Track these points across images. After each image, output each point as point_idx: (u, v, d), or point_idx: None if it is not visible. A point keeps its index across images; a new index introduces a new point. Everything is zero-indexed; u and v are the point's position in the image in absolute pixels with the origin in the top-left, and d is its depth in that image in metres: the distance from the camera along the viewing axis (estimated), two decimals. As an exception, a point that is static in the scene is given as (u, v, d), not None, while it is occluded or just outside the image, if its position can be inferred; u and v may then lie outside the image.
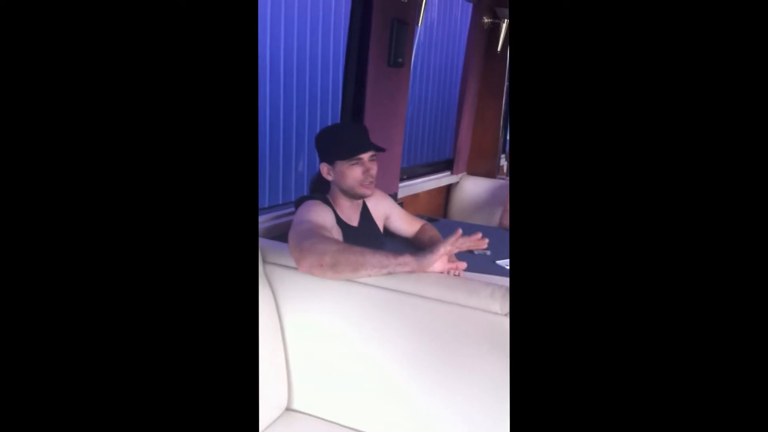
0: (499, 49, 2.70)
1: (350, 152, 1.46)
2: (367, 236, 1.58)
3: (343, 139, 1.50)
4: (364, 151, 1.46)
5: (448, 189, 2.96)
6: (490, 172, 3.00)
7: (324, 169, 1.51)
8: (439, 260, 1.14)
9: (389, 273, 1.13)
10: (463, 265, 1.18)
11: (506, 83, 2.85)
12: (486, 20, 2.68)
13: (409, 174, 2.65)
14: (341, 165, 1.47)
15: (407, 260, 1.11)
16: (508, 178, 2.95)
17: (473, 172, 3.02)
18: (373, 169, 1.49)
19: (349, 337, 1.19)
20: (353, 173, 1.47)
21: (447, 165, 2.95)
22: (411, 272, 1.13)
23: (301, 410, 1.27)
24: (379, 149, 1.49)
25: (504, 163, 2.97)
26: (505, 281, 1.60)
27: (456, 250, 1.15)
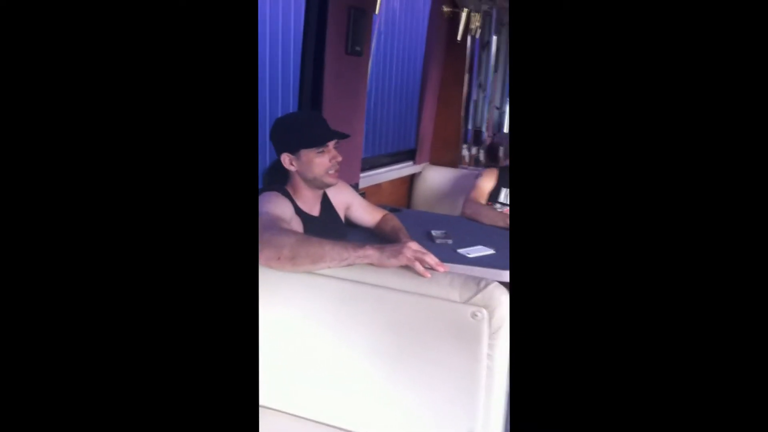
0: (459, 37, 2.71)
1: (317, 140, 1.44)
2: (328, 226, 1.56)
3: (307, 127, 1.47)
4: (332, 138, 1.45)
5: (411, 179, 2.96)
6: (453, 162, 3.02)
7: (286, 159, 1.48)
8: (401, 256, 1.10)
9: (349, 265, 1.11)
10: (432, 259, 1.10)
11: (466, 73, 2.86)
12: (446, 9, 2.68)
13: (372, 164, 2.63)
14: (307, 154, 1.45)
15: (368, 253, 1.10)
16: (470, 167, 2.97)
17: (436, 162, 3.02)
18: (339, 156, 1.48)
19: (312, 331, 1.18)
20: (321, 161, 1.45)
21: (410, 155, 2.94)
22: (372, 265, 1.11)
23: (271, 407, 1.26)
24: (344, 136, 1.48)
25: (466, 153, 2.99)
26: (467, 269, 1.61)
27: (419, 257, 1.09)
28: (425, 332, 1.09)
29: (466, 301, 1.04)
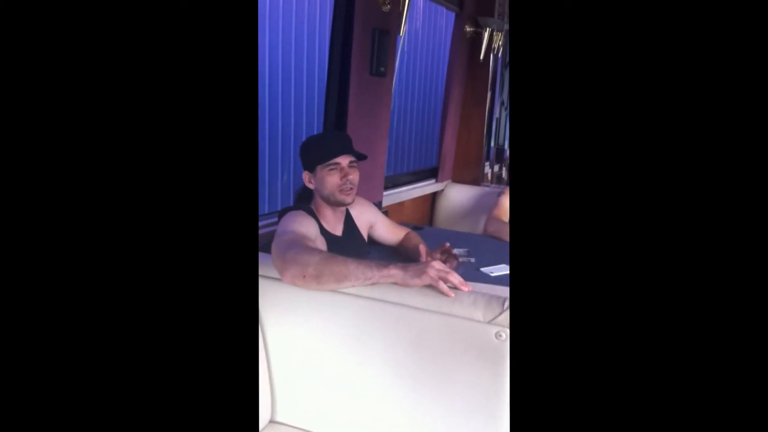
0: (481, 57, 2.73)
1: (327, 156, 1.47)
2: (351, 245, 1.58)
3: (323, 145, 1.51)
4: (340, 154, 1.47)
5: (434, 197, 2.97)
6: (475, 180, 3.01)
7: (306, 177, 1.51)
8: (425, 276, 1.10)
9: (373, 284, 1.12)
10: (456, 278, 1.10)
11: (488, 92, 2.87)
12: (468, 29, 2.70)
13: (394, 182, 2.65)
14: (320, 171, 1.48)
15: (392, 272, 1.10)
16: (492, 185, 2.97)
17: (458, 179, 3.03)
18: (352, 175, 1.50)
19: (332, 348, 1.18)
20: (332, 178, 1.47)
21: (432, 173, 2.96)
22: (395, 284, 1.12)
23: (285, 422, 1.26)
24: (358, 155, 1.50)
25: (488, 170, 2.99)
26: (489, 289, 1.61)
27: (442, 276, 1.09)
28: (448, 352, 1.09)
29: (490, 321, 1.04)
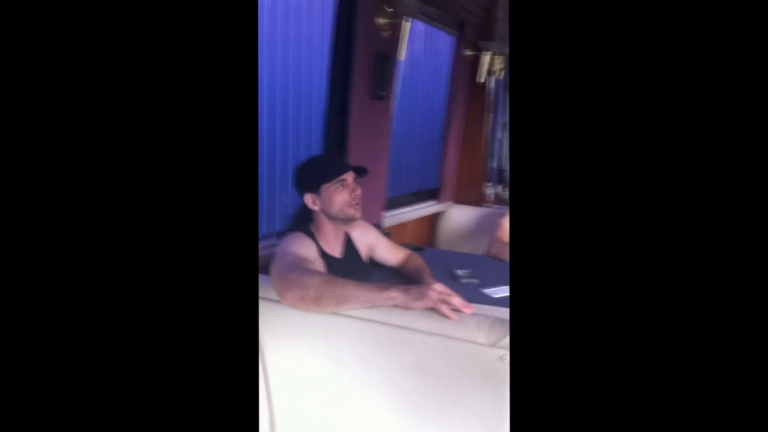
0: (481, 79, 2.75)
1: (334, 174, 1.48)
2: (351, 267, 1.57)
3: (325, 164, 1.53)
4: (345, 171, 1.49)
5: (436, 218, 2.97)
6: (477, 201, 3.01)
7: (309, 199, 1.51)
8: (426, 299, 1.08)
9: (374, 306, 1.11)
10: (458, 300, 1.08)
11: (489, 113, 2.89)
12: (469, 53, 2.73)
13: (396, 203, 2.65)
14: (327, 189, 1.49)
15: (393, 295, 1.09)
16: (495, 206, 2.97)
17: (460, 200, 3.03)
18: (358, 189, 1.52)
19: (333, 371, 1.17)
20: (340, 195, 1.49)
21: (434, 194, 2.96)
22: (397, 307, 1.11)
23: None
24: (361, 170, 1.53)
25: (490, 191, 2.99)
26: (493, 310, 1.59)
27: (444, 298, 1.08)
28: (451, 376, 1.07)
29: (494, 344, 1.02)
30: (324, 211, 1.51)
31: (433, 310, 1.08)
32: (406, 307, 1.09)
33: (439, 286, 1.09)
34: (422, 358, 1.09)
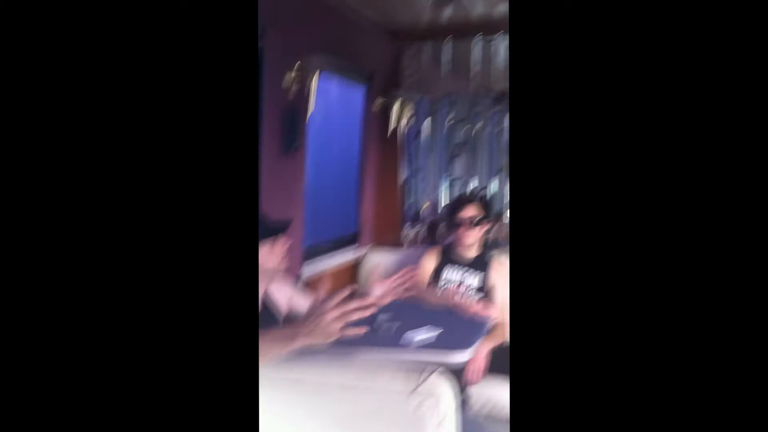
0: (393, 125, 2.85)
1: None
2: (264, 320, 1.55)
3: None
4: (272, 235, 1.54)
5: (356, 263, 2.99)
6: (396, 243, 3.07)
7: None
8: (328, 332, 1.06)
9: (292, 352, 1.09)
10: (357, 306, 1.07)
11: (402, 157, 2.99)
12: (379, 100, 2.84)
13: (315, 252, 2.65)
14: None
15: (298, 340, 1.07)
16: (413, 247, 3.03)
17: (379, 243, 3.07)
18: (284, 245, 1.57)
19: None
20: (273, 257, 1.53)
21: (353, 239, 2.99)
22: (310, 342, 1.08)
23: None
24: (277, 230, 1.55)
25: (408, 232, 3.07)
26: (413, 355, 1.61)
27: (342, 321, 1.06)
28: (371, 427, 1.07)
29: (411, 392, 1.04)
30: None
31: (350, 362, 1.09)
32: (314, 345, 1.07)
33: (331, 314, 1.06)
34: (342, 411, 1.09)
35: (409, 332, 1.72)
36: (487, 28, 2.72)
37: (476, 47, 2.80)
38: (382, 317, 1.85)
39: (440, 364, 1.28)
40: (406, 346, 1.63)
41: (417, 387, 1.04)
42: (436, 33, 2.82)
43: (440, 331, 1.73)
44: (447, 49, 2.86)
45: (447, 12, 2.50)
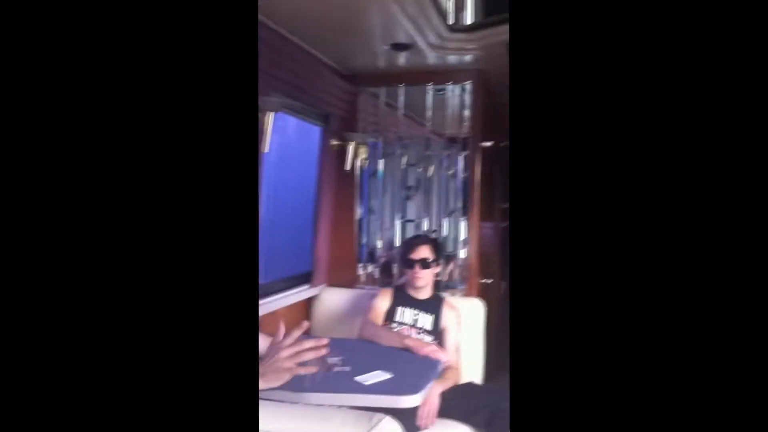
0: (347, 167, 2.89)
1: None
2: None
3: None
4: None
5: (309, 302, 2.96)
6: (350, 282, 3.07)
7: None
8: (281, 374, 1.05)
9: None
10: (310, 346, 1.07)
11: (356, 198, 3.03)
12: (335, 143, 2.88)
13: (268, 290, 2.61)
14: None
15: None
16: (367, 287, 3.04)
17: (333, 283, 3.06)
18: None
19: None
20: None
21: (307, 278, 2.96)
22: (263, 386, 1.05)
23: None
24: None
25: (362, 272, 3.07)
26: (365, 399, 1.60)
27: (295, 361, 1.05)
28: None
29: (361, 438, 1.04)
30: None
31: (300, 410, 1.07)
32: (264, 392, 1.04)
33: (284, 353, 1.04)
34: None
35: (360, 375, 1.72)
36: (441, 74, 2.84)
37: (429, 93, 2.91)
38: (333, 360, 1.84)
39: (391, 408, 1.28)
40: (357, 389, 1.62)
41: (367, 433, 1.04)
42: (392, 78, 2.91)
43: (392, 375, 1.73)
44: (402, 94, 2.95)
45: (403, 58, 2.59)
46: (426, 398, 1.83)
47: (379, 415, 1.07)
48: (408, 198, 3.03)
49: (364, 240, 3.07)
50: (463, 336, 2.42)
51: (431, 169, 2.99)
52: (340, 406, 1.12)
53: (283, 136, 2.79)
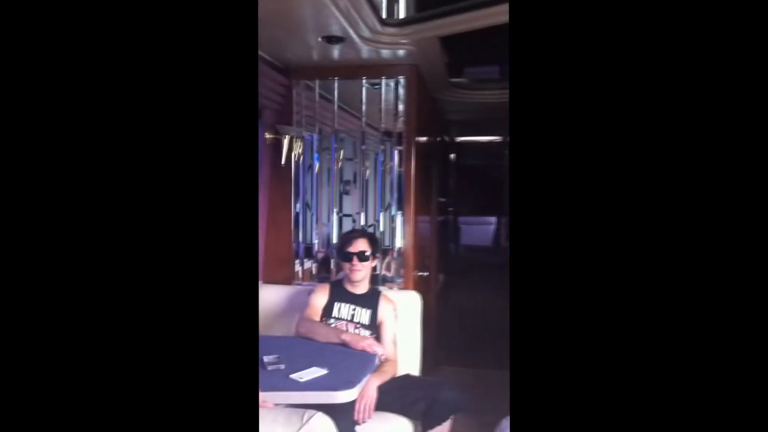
0: (283, 161, 2.84)
1: None
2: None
3: None
4: None
5: (245, 300, 2.90)
6: (287, 279, 3.02)
7: None
8: None
9: None
10: None
11: (293, 194, 2.99)
12: (269, 136, 2.82)
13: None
14: None
15: None
16: (305, 283, 3.01)
17: (270, 280, 3.01)
18: None
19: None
20: None
21: (242, 276, 2.90)
22: None
23: None
24: None
25: (299, 268, 3.03)
26: (300, 396, 1.58)
27: None
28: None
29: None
30: None
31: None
32: None
33: None
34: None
35: (296, 373, 1.69)
36: (375, 68, 2.84)
37: (364, 87, 2.90)
38: (268, 358, 1.80)
39: (327, 404, 1.27)
40: (292, 386, 1.60)
41: (299, 430, 1.03)
42: (326, 71, 2.88)
43: (327, 371, 1.72)
44: (337, 88, 2.93)
45: (336, 51, 2.57)
46: (362, 392, 1.83)
47: (310, 411, 1.06)
48: (345, 193, 3.02)
49: (301, 235, 3.03)
50: (400, 329, 2.44)
51: (367, 164, 2.99)
52: (276, 405, 1.10)
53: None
